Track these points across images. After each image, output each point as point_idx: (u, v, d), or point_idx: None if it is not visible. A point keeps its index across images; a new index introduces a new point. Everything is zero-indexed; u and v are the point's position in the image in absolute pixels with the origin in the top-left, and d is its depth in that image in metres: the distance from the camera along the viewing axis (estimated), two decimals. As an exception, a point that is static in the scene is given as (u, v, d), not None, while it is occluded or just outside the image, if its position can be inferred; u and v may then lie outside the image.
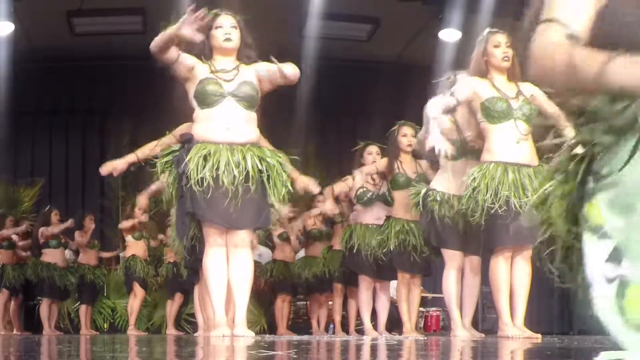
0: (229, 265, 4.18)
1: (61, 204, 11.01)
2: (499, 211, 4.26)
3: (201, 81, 4.20)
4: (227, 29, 4.31)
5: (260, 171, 4.12)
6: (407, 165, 6.00)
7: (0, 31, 9.05)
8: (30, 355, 1.87)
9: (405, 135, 6.02)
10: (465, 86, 4.51)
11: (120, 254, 9.79)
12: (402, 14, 9.47)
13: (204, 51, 4.29)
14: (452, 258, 4.97)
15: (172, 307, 8.69)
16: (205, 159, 4.04)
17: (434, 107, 4.64)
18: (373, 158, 6.54)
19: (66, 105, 11.30)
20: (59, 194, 11.11)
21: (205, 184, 3.99)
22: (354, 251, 6.39)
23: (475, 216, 4.39)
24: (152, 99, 9.45)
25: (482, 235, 4.53)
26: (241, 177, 4.02)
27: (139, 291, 8.79)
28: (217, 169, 4.01)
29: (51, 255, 8.85)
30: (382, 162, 6.23)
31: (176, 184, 4.22)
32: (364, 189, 6.40)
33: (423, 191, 5.06)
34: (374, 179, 6.40)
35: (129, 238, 8.79)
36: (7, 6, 8.52)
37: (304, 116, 10.32)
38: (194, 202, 4.05)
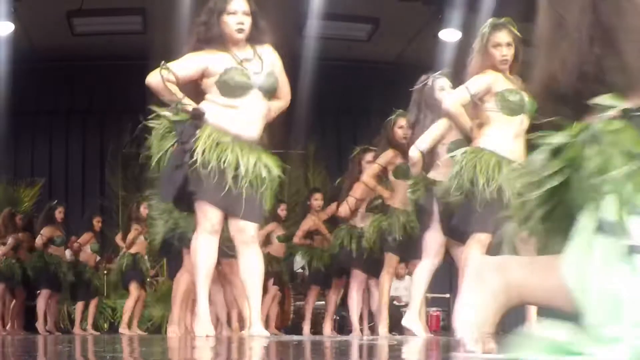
0: (240, 264, 4.11)
1: (61, 204, 11.03)
2: (487, 198, 4.13)
3: (227, 71, 4.02)
4: (240, 16, 4.08)
5: (263, 180, 4.06)
6: (405, 156, 5.88)
7: (0, 31, 9.05)
8: (31, 355, 1.87)
9: (402, 127, 5.95)
10: (480, 80, 4.35)
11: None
12: (402, 14, 9.47)
13: (217, 39, 4.06)
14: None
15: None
16: (216, 145, 3.93)
17: (450, 101, 4.50)
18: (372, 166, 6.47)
19: (66, 105, 11.30)
20: (59, 194, 11.10)
21: (210, 168, 3.89)
22: (348, 248, 6.42)
23: (457, 196, 4.23)
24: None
25: (457, 217, 4.37)
26: (245, 180, 3.98)
27: (135, 291, 8.76)
28: (224, 161, 3.92)
29: (55, 251, 8.87)
30: (383, 157, 6.09)
31: (171, 152, 4.10)
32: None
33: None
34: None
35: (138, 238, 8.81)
36: (7, 6, 8.53)
37: (304, 116, 10.31)
38: (196, 182, 3.93)
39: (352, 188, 6.60)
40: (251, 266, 4.06)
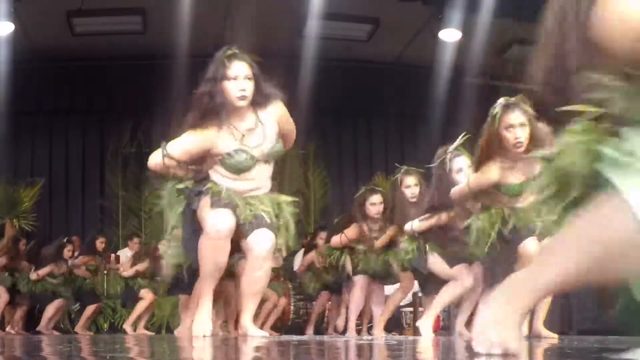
0: (246, 271, 4.09)
1: (61, 204, 11.04)
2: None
3: (230, 155, 3.93)
4: (242, 82, 3.90)
5: (276, 216, 4.01)
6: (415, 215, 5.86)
7: (0, 31, 9.05)
8: (33, 355, 1.88)
9: (409, 186, 5.88)
10: (484, 180, 4.25)
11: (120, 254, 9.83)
12: (402, 14, 9.47)
13: (220, 108, 3.90)
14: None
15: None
16: (220, 194, 3.92)
17: (453, 195, 4.61)
18: (376, 210, 6.44)
19: (66, 105, 11.30)
20: (59, 194, 11.12)
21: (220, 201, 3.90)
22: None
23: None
24: (152, 99, 9.47)
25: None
26: (252, 217, 3.93)
27: (146, 295, 8.81)
28: (235, 207, 3.91)
29: (55, 280, 8.92)
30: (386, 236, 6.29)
31: (182, 215, 4.08)
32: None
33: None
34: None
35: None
36: (7, 6, 8.53)
37: (304, 116, 10.31)
38: (199, 202, 3.93)
39: (350, 227, 6.70)
40: (256, 277, 4.01)
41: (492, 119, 4.13)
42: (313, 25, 9.37)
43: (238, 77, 3.89)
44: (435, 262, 5.14)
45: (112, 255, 10.01)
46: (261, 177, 4.07)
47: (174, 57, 8.88)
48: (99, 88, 10.91)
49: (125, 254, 9.86)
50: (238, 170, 3.97)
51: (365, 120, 11.64)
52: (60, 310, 9.07)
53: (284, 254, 4.50)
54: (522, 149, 4.07)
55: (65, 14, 9.41)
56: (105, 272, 9.71)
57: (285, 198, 4.16)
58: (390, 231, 6.21)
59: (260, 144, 3.97)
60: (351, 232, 6.65)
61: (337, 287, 7.61)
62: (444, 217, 5.04)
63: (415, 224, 5.21)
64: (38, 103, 11.05)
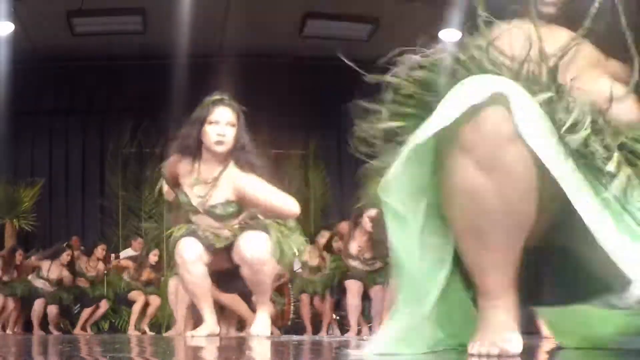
0: (247, 278, 4.07)
1: (61, 204, 11.04)
2: None
3: (178, 194, 3.97)
4: (222, 127, 3.82)
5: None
6: None
7: (0, 31, 9.06)
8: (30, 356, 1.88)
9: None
10: None
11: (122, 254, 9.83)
12: (402, 14, 9.47)
13: (195, 148, 3.86)
14: None
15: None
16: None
17: None
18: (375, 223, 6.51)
19: (66, 105, 11.30)
20: (59, 194, 11.12)
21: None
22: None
23: None
24: (152, 99, 9.47)
25: None
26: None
27: (138, 297, 8.82)
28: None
29: (39, 282, 8.91)
30: None
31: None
32: None
33: None
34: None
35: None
36: (7, 6, 8.53)
37: (304, 116, 10.32)
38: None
39: (348, 233, 6.94)
40: (266, 280, 3.93)
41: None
42: (313, 25, 9.37)
43: (219, 122, 3.83)
44: None
45: (112, 255, 10.01)
46: (219, 225, 3.94)
47: (174, 57, 8.88)
48: (99, 88, 10.91)
49: (127, 254, 9.87)
50: (185, 214, 3.99)
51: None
52: (51, 313, 9.07)
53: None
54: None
55: (65, 14, 9.41)
56: (105, 272, 9.71)
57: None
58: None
59: (203, 197, 3.87)
60: (351, 244, 6.80)
61: (321, 291, 7.73)
62: None
63: None
64: (38, 103, 11.05)
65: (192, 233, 3.88)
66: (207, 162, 3.87)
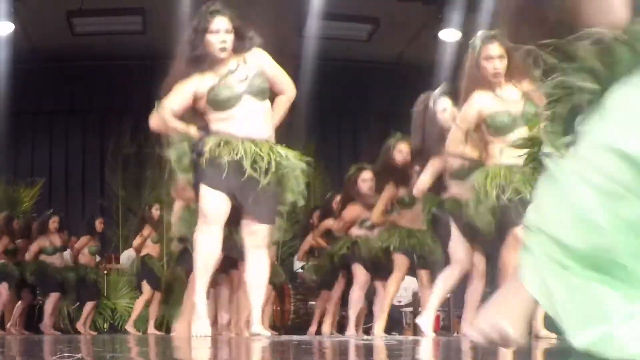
0: (247, 266, 4.12)
1: (61, 204, 11.03)
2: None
3: (211, 89, 4.09)
4: (222, 35, 4.12)
5: (279, 167, 4.04)
6: (405, 182, 5.77)
7: (0, 31, 9.06)
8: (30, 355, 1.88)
9: (401, 151, 5.86)
10: (467, 111, 4.29)
11: (126, 253, 9.82)
12: (402, 14, 9.48)
13: (202, 57, 4.13)
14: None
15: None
16: (225, 144, 3.99)
17: (449, 146, 4.52)
18: (368, 186, 6.44)
19: (66, 105, 11.31)
20: (59, 194, 11.12)
21: (220, 163, 3.93)
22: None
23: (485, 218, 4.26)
24: (152, 99, 9.47)
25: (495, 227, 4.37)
26: (261, 168, 3.95)
27: (146, 290, 8.79)
28: (237, 153, 3.95)
29: (47, 259, 8.87)
30: (385, 196, 6.11)
31: (192, 171, 4.14)
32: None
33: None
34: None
35: (147, 242, 8.82)
36: (7, 6, 8.53)
37: (304, 116, 10.32)
38: (201, 173, 3.99)
39: (346, 207, 6.70)
40: (257, 270, 4.08)
41: (472, 50, 4.28)
42: (313, 25, 9.37)
43: (219, 31, 4.11)
44: (454, 236, 4.79)
45: (112, 255, 10.01)
46: (256, 118, 4.11)
47: (174, 57, 8.87)
48: (99, 88, 10.91)
49: (127, 254, 9.86)
50: (224, 104, 4.08)
51: (365, 120, 11.64)
52: (56, 308, 9.04)
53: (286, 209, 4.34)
54: (499, 80, 4.23)
55: (65, 14, 9.41)
56: (105, 272, 9.71)
57: (291, 151, 4.18)
58: (385, 192, 5.97)
59: (243, 78, 4.11)
60: (348, 213, 6.65)
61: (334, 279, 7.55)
62: (437, 163, 4.87)
63: (420, 182, 5.02)
64: (38, 103, 11.05)
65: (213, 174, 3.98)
66: (216, 65, 4.13)
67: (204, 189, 4.00)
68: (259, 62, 4.21)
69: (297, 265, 9.22)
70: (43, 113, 11.21)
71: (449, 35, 9.44)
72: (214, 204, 3.99)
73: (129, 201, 10.95)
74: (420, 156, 5.15)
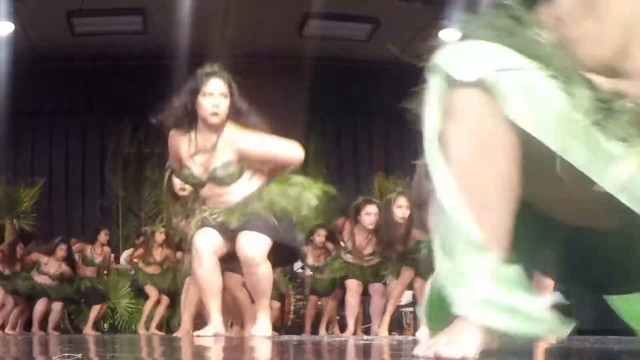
0: (246, 277, 4.04)
1: (61, 204, 11.04)
2: None
3: (183, 166, 4.05)
4: (216, 98, 3.92)
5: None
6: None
7: (0, 31, 9.06)
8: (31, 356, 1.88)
9: (401, 206, 5.95)
10: None
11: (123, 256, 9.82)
12: (402, 14, 9.47)
13: (190, 119, 3.99)
14: None
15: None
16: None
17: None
18: (371, 220, 6.51)
19: (66, 105, 11.31)
20: (59, 194, 11.12)
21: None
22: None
23: None
24: (152, 99, 9.46)
25: None
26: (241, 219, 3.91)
27: (152, 293, 8.80)
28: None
29: (40, 278, 8.90)
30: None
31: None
32: None
33: None
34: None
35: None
36: (7, 6, 8.53)
37: (304, 116, 10.32)
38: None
39: (345, 230, 6.98)
40: (260, 282, 3.95)
41: None
42: (313, 25, 9.37)
43: (213, 94, 3.93)
44: None
45: (113, 255, 10.01)
46: (221, 193, 4.01)
47: (174, 57, 8.88)
48: (99, 88, 10.91)
49: (127, 254, 9.85)
50: (189, 184, 4.15)
51: (365, 120, 11.64)
52: (54, 311, 9.05)
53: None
54: None
55: (65, 14, 9.41)
56: (105, 272, 9.71)
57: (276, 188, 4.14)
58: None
59: (204, 164, 3.97)
60: (350, 240, 6.81)
61: (329, 291, 7.67)
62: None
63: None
64: (38, 103, 11.05)
65: (205, 222, 3.94)
66: (202, 132, 3.98)
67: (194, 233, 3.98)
68: (238, 148, 3.95)
69: (297, 265, 9.21)
70: (43, 113, 11.21)
71: (449, 35, 9.44)
72: (202, 239, 3.94)
73: (129, 201, 10.95)
74: (422, 209, 5.16)
